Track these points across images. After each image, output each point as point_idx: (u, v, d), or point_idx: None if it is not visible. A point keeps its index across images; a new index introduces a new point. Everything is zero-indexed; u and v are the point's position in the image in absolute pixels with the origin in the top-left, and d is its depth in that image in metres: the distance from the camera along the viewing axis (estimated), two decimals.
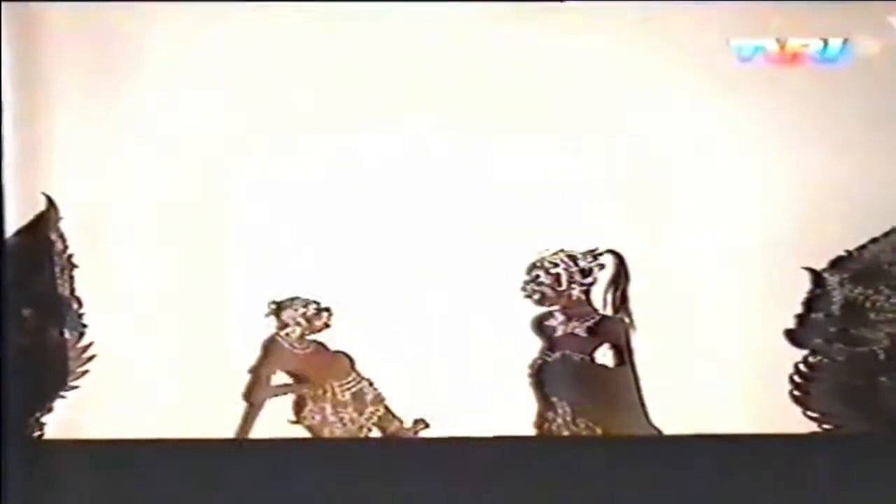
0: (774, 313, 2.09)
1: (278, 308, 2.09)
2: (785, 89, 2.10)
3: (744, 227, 2.10)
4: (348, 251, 2.12)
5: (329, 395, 2.10)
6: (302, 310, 2.08)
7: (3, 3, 2.07)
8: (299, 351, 2.10)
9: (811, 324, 2.09)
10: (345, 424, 2.10)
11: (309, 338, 2.10)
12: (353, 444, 2.11)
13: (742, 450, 2.03)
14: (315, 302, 2.09)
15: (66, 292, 2.12)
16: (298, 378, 2.12)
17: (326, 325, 2.09)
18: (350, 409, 2.11)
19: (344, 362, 2.11)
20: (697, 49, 2.10)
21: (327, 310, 2.08)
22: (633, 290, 2.11)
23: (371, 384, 2.11)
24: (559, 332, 2.13)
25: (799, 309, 2.09)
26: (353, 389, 2.11)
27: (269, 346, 2.10)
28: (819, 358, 2.09)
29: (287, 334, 2.09)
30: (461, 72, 2.12)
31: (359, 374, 2.12)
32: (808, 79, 2.10)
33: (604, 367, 2.13)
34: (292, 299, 2.08)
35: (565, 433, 2.09)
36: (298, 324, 2.08)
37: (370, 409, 2.12)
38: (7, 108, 2.09)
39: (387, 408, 2.12)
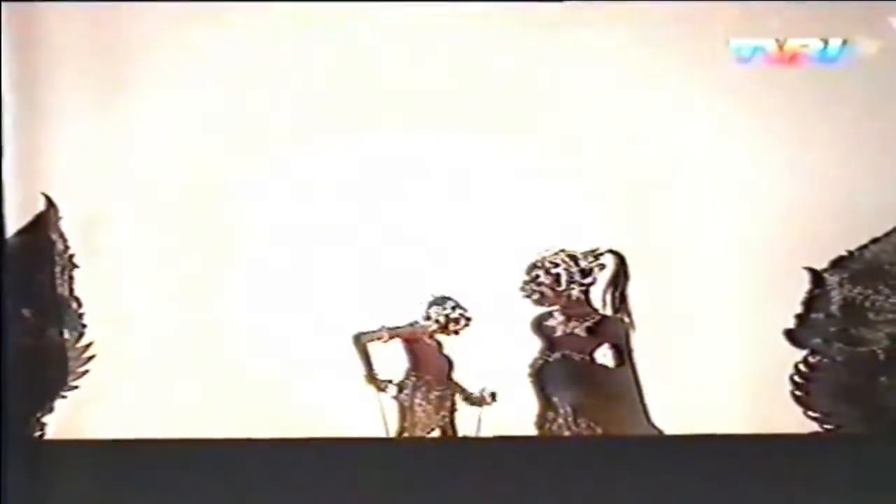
0: (774, 313, 2.09)
1: (433, 303, 2.14)
2: (784, 89, 2.10)
3: (743, 227, 2.10)
4: (350, 252, 2.12)
5: (425, 387, 2.16)
6: (446, 312, 2.13)
7: (3, 4, 2.08)
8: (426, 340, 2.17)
9: (811, 324, 2.09)
10: (427, 414, 2.16)
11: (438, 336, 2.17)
12: (354, 445, 2.10)
13: (742, 450, 2.03)
14: (462, 309, 2.13)
15: (66, 292, 2.12)
16: (414, 358, 2.17)
17: (456, 332, 2.14)
18: (431, 406, 2.16)
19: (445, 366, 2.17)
20: (697, 49, 2.10)
21: (468, 320, 2.13)
22: (633, 290, 2.11)
23: (453, 393, 2.16)
24: (559, 333, 2.12)
25: (799, 309, 2.09)
26: (440, 393, 2.17)
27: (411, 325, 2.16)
28: (819, 358, 2.09)
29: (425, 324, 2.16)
30: (461, 74, 2.12)
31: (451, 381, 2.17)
32: (807, 79, 2.10)
33: (604, 367, 2.13)
34: (446, 299, 2.13)
35: (565, 433, 2.09)
36: (437, 321, 2.14)
37: (443, 413, 2.16)
38: (7, 108, 2.09)
39: (453, 419, 2.17)
